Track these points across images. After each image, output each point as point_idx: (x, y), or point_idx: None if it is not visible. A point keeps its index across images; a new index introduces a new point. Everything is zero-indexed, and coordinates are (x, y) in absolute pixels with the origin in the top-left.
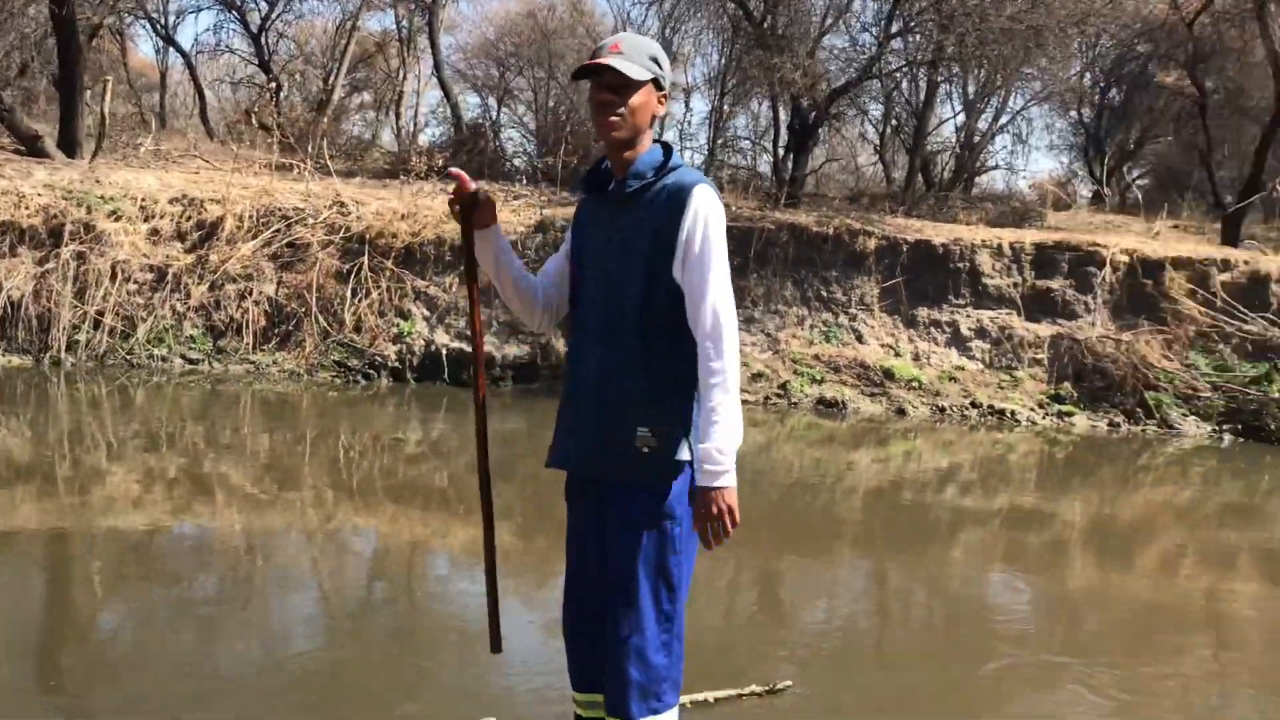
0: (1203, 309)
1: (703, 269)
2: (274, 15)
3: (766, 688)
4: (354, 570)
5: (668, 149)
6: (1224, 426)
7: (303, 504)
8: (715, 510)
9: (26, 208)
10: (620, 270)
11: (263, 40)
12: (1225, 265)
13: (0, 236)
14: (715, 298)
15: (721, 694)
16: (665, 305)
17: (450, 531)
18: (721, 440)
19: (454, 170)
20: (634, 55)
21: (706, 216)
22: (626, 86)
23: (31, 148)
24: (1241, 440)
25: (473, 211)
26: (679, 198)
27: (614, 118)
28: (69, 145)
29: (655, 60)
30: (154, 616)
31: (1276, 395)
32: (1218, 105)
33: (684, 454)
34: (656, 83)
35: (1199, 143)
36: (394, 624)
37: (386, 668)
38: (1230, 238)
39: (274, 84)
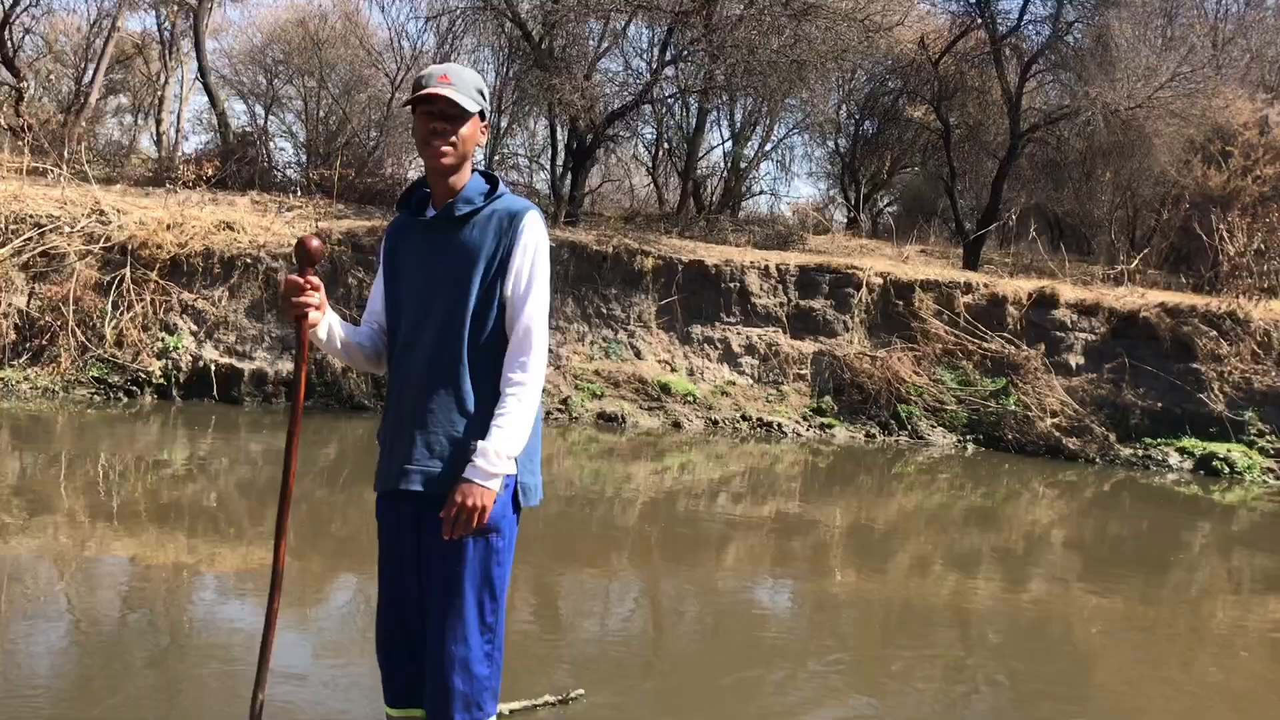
0: (948, 328)
1: (527, 291)
2: (18, 9)
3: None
4: (111, 599)
5: (492, 178)
6: (968, 437)
7: (55, 528)
8: (470, 504)
9: None
10: (448, 293)
11: (5, 35)
12: (968, 288)
13: None
14: (532, 317)
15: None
16: (496, 326)
17: (218, 556)
18: (502, 445)
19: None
20: (463, 87)
21: (538, 243)
22: (459, 117)
23: None
24: (983, 449)
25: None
26: (511, 222)
27: (446, 146)
28: None
29: (481, 93)
30: None
31: (1013, 408)
32: (960, 139)
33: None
34: (482, 114)
35: (943, 174)
36: (153, 653)
37: (145, 701)
38: (971, 262)
39: (23, 83)
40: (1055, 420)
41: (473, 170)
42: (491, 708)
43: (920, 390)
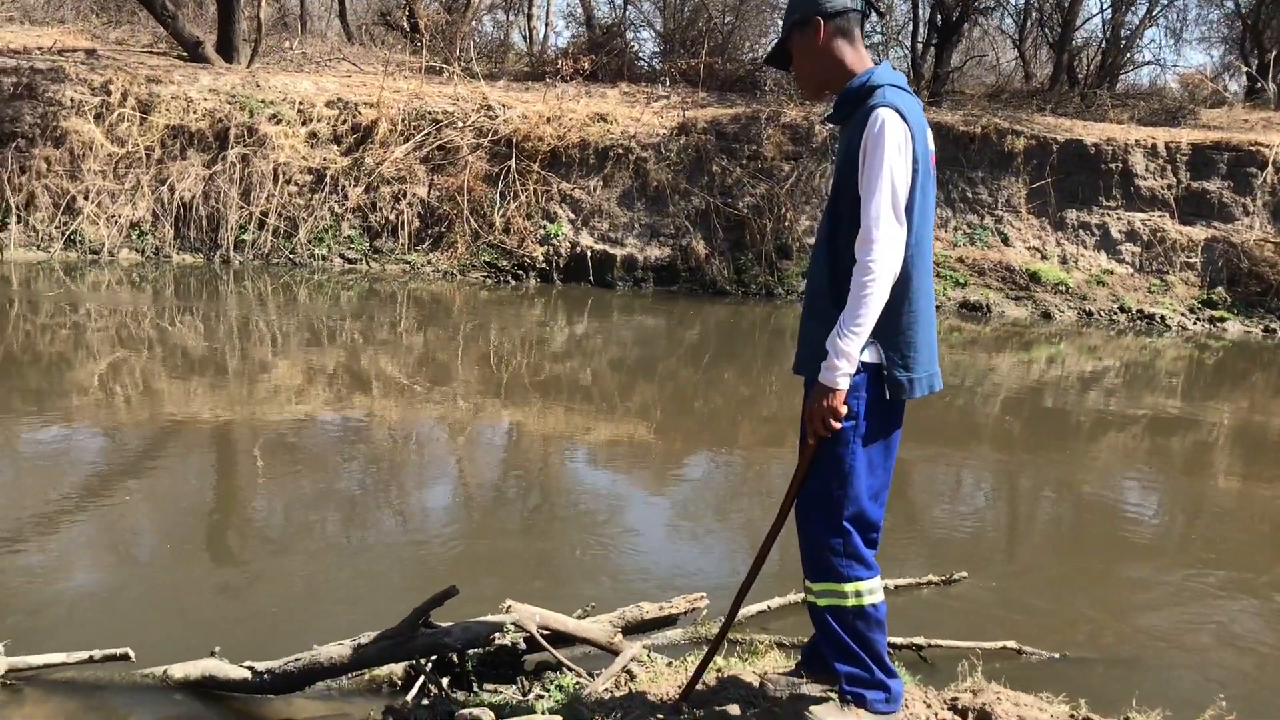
0: None
1: (867, 184)
2: None
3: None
4: (493, 460)
5: (867, 74)
6: None
7: (453, 397)
8: (815, 407)
9: (194, 112)
10: (831, 195)
11: None
12: None
13: (172, 140)
14: (869, 213)
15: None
16: (847, 219)
17: (592, 426)
18: (838, 345)
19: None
20: (784, 26)
21: (877, 135)
22: (782, 59)
23: (193, 53)
24: None
25: None
26: (862, 119)
27: (797, 82)
28: (227, 50)
29: (790, 8)
30: (309, 498)
31: None
32: None
33: (864, 355)
34: (802, 24)
35: None
36: (524, 516)
37: (514, 549)
38: None
39: None
40: None
41: (863, 69)
42: (857, 571)
43: None
